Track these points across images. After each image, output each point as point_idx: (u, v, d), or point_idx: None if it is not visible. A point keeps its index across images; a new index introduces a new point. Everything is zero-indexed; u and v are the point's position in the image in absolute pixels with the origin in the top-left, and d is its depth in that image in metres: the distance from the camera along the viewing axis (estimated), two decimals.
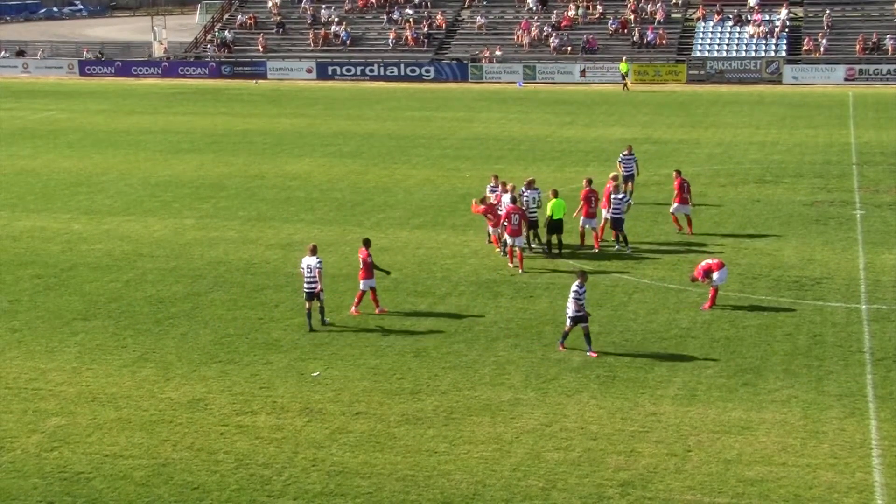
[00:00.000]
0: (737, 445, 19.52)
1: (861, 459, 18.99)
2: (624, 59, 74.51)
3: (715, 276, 26.84)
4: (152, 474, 18.74)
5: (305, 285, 25.78)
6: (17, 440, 20.06)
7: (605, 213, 32.56)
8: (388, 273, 28.04)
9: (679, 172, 34.48)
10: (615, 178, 33.28)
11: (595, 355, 23.77)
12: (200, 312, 27.21)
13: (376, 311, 26.78)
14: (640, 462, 18.97)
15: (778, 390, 21.85)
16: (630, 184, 38.25)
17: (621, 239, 32.43)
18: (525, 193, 32.06)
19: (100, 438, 20.09)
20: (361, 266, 26.75)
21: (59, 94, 75.91)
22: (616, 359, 23.70)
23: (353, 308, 26.89)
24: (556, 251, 31.65)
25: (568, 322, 24.17)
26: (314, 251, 25.92)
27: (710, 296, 27.08)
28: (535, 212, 31.95)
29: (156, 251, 32.97)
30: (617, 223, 32.29)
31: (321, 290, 25.73)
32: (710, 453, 19.26)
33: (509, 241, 30.45)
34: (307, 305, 25.81)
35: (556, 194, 31.47)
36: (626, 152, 38.53)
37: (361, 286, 26.81)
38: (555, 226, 31.38)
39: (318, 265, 25.57)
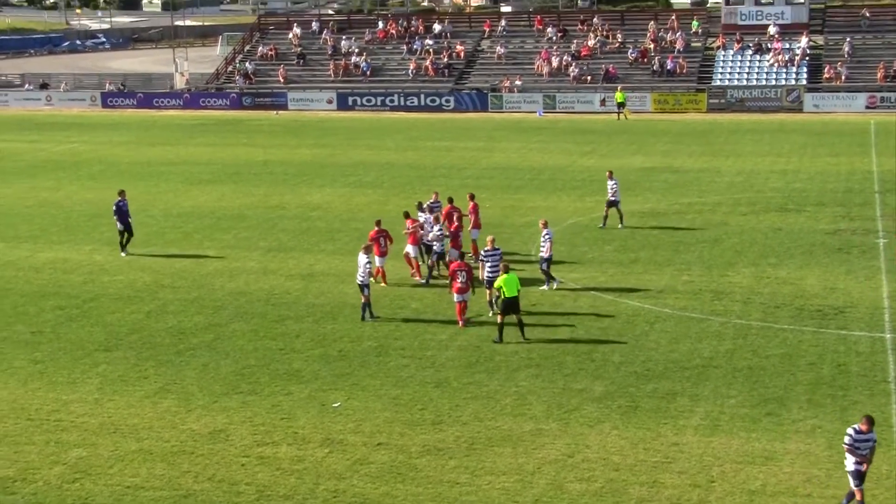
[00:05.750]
0: (761, 476, 19.38)
1: (888, 491, 18.80)
2: (619, 88, 74.66)
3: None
4: None
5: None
6: (40, 472, 20.10)
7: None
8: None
9: None
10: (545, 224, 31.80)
11: None
12: (221, 343, 27.27)
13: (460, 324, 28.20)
14: (663, 493, 18.85)
15: (802, 420, 21.70)
16: (610, 209, 39.00)
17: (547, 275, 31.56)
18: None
19: (121, 470, 20.11)
20: (464, 279, 27.87)
21: (82, 125, 76.47)
22: (638, 389, 23.60)
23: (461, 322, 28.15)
24: (523, 336, 27.04)
25: (851, 482, 17.85)
26: (367, 250, 29.26)
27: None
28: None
29: (177, 282, 33.08)
30: (545, 260, 31.22)
31: (363, 284, 28.47)
32: (733, 484, 19.13)
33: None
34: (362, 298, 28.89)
35: (507, 269, 27.11)
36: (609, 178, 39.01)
37: (457, 298, 28.12)
38: (511, 304, 26.74)
39: (363, 260, 28.55)
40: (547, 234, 31.14)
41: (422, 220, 33.07)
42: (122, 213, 36.35)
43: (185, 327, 28.62)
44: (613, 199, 38.64)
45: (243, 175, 52.95)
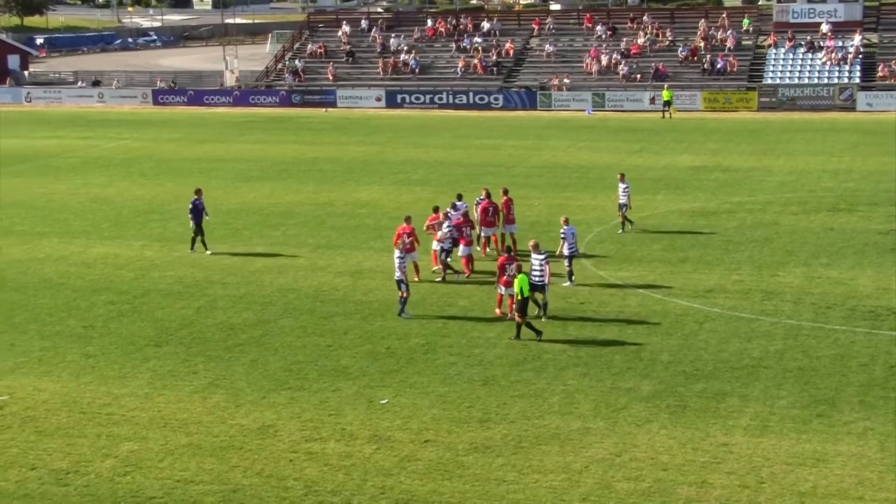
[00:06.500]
0: (811, 478, 19.19)
1: None
2: (666, 86, 74.27)
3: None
4: (222, 500, 18.87)
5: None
6: (92, 464, 20.34)
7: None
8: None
9: None
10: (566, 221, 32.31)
11: None
12: (270, 339, 27.44)
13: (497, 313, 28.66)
14: (711, 493, 18.72)
15: (854, 422, 21.46)
16: (620, 213, 38.05)
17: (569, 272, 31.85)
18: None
19: (171, 464, 20.30)
20: (512, 272, 27.91)
21: (133, 122, 77.25)
22: (687, 388, 23.46)
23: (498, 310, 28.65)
24: (537, 334, 26.84)
25: None
26: (399, 247, 29.35)
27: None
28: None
29: (226, 278, 33.32)
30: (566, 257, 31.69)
31: (399, 280, 28.63)
32: (783, 485, 18.96)
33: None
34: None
35: (520, 269, 27.14)
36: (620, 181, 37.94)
37: (502, 291, 28.33)
38: (523, 304, 26.76)
39: (398, 256, 28.87)
40: (562, 232, 31.46)
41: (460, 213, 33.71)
42: (197, 211, 36.01)
43: (234, 323, 28.82)
44: (623, 202, 37.60)
45: (292, 172, 53.25)
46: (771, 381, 23.77)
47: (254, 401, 23.31)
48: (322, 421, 22.15)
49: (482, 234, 34.81)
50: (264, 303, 30.64)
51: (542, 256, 28.31)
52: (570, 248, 31.46)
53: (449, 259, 32.32)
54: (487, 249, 34.80)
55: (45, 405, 23.29)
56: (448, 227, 32.18)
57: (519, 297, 26.70)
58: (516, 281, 26.76)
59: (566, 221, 31.83)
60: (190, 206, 36.26)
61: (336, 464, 20.13)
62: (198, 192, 36.71)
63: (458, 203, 33.84)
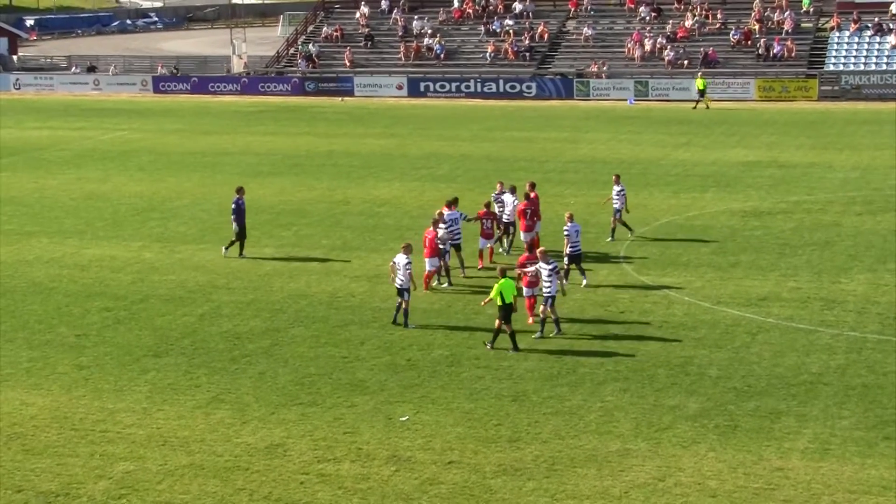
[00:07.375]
0: None
1: None
2: (700, 74, 74.13)
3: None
4: None
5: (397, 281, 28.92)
6: (84, 486, 20.44)
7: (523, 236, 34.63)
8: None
9: None
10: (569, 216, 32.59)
11: None
12: (280, 350, 27.52)
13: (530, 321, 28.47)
14: None
15: None
16: (613, 219, 37.58)
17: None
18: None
19: (171, 486, 20.38)
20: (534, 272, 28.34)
21: (132, 112, 77.69)
22: (738, 406, 23.39)
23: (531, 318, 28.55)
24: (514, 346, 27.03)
25: None
26: (408, 250, 28.93)
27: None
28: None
29: (232, 282, 33.46)
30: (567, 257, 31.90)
31: (403, 288, 28.59)
32: None
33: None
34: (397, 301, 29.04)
35: (503, 273, 27.31)
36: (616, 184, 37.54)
37: (526, 293, 28.33)
38: (507, 311, 26.88)
39: (403, 261, 28.53)
40: (565, 229, 31.75)
41: (508, 206, 35.05)
42: (240, 212, 35.77)
43: (241, 332, 28.93)
44: (616, 206, 37.05)
45: (305, 167, 53.42)
46: (832, 400, 23.67)
47: (261, 417, 23.39)
48: (336, 440, 22.20)
49: (523, 238, 34.60)
50: (274, 310, 30.75)
51: (551, 266, 28.09)
52: (572, 247, 31.65)
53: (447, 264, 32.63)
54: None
55: (34, 421, 23.43)
56: (448, 226, 32.38)
57: (500, 304, 26.77)
58: (497, 285, 26.85)
59: (570, 218, 32.06)
60: (233, 206, 36.01)
61: (351, 487, 20.18)
62: (240, 190, 36.46)
63: (448, 211, 33.24)
